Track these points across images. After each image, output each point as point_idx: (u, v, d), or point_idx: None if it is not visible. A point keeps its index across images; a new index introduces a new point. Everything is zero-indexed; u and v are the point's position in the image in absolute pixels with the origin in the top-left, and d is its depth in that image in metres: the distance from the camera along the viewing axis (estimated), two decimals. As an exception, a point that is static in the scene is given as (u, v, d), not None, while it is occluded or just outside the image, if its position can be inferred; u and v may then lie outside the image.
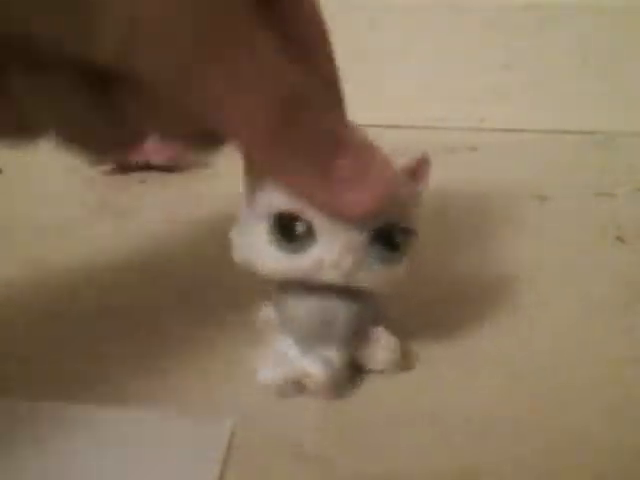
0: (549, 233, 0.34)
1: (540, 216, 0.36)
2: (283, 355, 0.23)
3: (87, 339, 0.25)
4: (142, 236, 0.33)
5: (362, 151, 0.20)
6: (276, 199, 0.21)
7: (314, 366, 0.22)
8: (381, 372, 0.23)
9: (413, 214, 0.22)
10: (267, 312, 0.23)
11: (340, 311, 0.22)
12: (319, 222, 0.21)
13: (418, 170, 0.22)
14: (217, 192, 0.36)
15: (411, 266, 0.22)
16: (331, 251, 0.21)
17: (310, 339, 0.22)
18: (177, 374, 0.23)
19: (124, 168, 0.41)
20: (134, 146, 0.24)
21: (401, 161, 0.22)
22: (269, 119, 0.19)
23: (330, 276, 0.21)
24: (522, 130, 0.46)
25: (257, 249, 0.22)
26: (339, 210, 0.20)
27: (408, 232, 0.22)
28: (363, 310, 0.23)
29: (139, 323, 0.26)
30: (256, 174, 0.22)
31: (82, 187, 0.40)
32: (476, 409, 0.22)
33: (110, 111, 0.22)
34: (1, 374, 0.23)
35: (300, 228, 0.21)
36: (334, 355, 0.22)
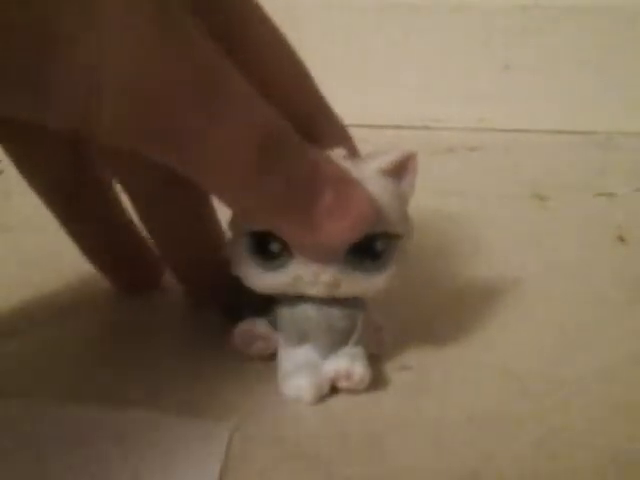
0: (549, 233, 0.34)
1: (540, 216, 0.36)
2: (304, 364, 0.22)
3: (87, 339, 0.25)
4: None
5: (341, 185, 0.20)
6: None
7: (353, 365, 0.22)
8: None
9: (396, 216, 0.21)
10: (253, 325, 0.23)
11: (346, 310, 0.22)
12: None
13: (403, 167, 0.21)
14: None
15: (401, 269, 0.21)
16: (308, 268, 0.21)
17: (335, 338, 0.22)
18: (177, 374, 0.23)
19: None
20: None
21: (385, 158, 0.21)
22: (245, 167, 0.18)
23: (312, 291, 0.21)
24: (522, 130, 0.46)
25: (242, 264, 0.21)
26: (319, 242, 0.20)
27: (390, 237, 0.21)
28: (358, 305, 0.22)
29: (139, 322, 0.26)
30: None
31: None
32: (477, 410, 0.22)
33: (74, 157, 0.22)
34: (1, 374, 0.23)
35: (275, 247, 0.21)
36: (358, 350, 0.22)
